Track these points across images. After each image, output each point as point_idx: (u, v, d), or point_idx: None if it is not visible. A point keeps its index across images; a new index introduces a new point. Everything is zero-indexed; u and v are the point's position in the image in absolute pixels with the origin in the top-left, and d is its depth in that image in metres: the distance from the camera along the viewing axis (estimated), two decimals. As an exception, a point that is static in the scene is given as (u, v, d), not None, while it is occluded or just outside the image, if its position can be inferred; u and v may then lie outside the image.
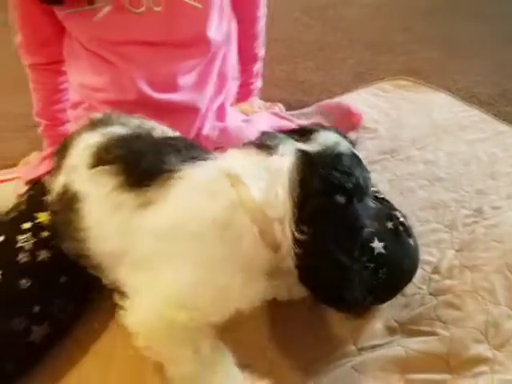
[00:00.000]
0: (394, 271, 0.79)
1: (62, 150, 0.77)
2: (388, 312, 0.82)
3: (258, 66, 1.19)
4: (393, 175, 1.16)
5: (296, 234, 0.58)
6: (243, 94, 1.19)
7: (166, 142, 0.71)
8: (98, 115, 0.80)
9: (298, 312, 0.79)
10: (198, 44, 0.90)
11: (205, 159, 0.66)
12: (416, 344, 0.75)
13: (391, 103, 1.45)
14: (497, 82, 1.60)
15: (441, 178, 1.14)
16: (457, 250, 0.93)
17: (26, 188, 0.94)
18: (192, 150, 0.69)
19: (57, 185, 0.73)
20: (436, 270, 0.89)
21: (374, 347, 0.76)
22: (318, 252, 0.59)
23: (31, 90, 1.02)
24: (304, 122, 1.23)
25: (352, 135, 1.29)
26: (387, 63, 1.71)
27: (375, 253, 0.78)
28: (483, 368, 0.73)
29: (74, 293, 0.79)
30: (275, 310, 0.78)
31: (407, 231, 0.84)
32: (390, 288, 0.81)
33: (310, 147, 0.62)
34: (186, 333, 0.61)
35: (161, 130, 0.76)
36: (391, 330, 0.79)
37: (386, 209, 0.87)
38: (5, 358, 0.71)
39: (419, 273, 0.87)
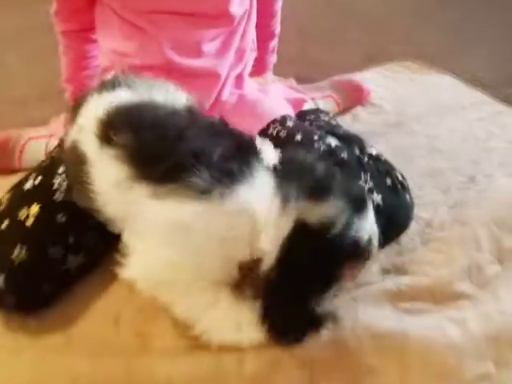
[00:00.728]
0: (390, 220, 0.88)
1: (75, 107, 0.82)
2: (383, 258, 0.91)
3: (273, 43, 1.29)
4: (395, 146, 1.24)
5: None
6: (258, 69, 1.28)
7: (188, 132, 0.72)
8: (107, 76, 0.87)
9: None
10: (221, 17, 0.99)
11: (238, 181, 0.66)
12: (405, 280, 0.85)
13: (398, 83, 1.55)
14: (501, 66, 1.67)
15: (440, 150, 1.23)
16: (449, 208, 1.02)
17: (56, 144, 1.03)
18: (223, 157, 0.69)
19: (68, 140, 0.79)
20: (429, 225, 0.98)
21: (369, 284, 0.85)
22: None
23: (61, 55, 1.12)
24: (317, 96, 1.33)
25: (358, 109, 1.40)
26: (396, 46, 1.79)
27: (373, 204, 0.87)
28: (465, 302, 0.82)
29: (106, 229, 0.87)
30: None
31: (404, 188, 0.94)
32: (385, 235, 0.91)
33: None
34: (173, 288, 0.70)
35: (166, 90, 0.83)
36: (385, 271, 0.89)
37: (387, 167, 0.96)
38: (43, 281, 0.79)
39: (414, 227, 0.96)
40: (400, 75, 1.59)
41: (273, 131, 1.00)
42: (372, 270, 0.88)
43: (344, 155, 0.93)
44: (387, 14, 2.02)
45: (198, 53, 0.99)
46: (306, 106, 1.22)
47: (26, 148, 1.17)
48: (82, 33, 1.09)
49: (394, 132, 1.31)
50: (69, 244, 0.81)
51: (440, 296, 0.82)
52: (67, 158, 0.80)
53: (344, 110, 1.39)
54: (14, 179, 0.95)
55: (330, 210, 0.66)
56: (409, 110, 1.41)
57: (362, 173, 0.91)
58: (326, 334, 0.74)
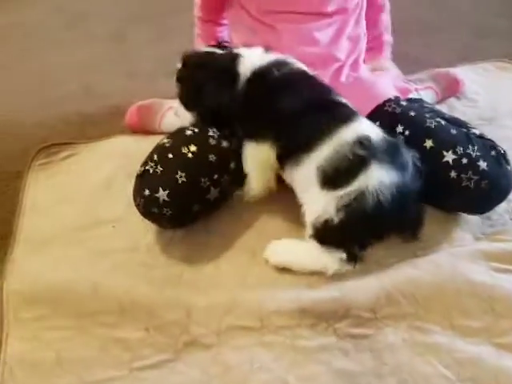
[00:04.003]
0: (493, 185, 1.01)
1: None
2: (475, 228, 1.07)
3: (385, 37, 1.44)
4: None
5: None
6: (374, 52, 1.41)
7: None
8: None
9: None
10: (338, 12, 1.18)
11: None
12: (498, 245, 1.01)
13: (491, 81, 1.62)
14: None
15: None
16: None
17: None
18: None
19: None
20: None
21: (463, 245, 1.02)
22: None
23: (195, 37, 1.38)
24: (420, 87, 1.45)
25: (453, 101, 1.51)
26: (490, 46, 1.84)
27: (480, 169, 1.01)
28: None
29: (238, 176, 1.08)
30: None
31: (506, 160, 1.06)
32: (487, 199, 1.04)
33: None
34: None
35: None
36: (477, 239, 1.05)
37: (491, 143, 1.08)
38: (194, 202, 1.02)
39: (504, 206, 1.10)
40: (493, 74, 1.67)
41: (388, 108, 1.15)
42: (465, 237, 1.03)
43: (453, 131, 1.07)
44: (482, 16, 2.05)
45: (313, 41, 1.18)
46: (411, 95, 1.35)
47: (165, 115, 1.38)
48: (212, 22, 1.35)
49: (487, 125, 1.39)
50: (213, 179, 1.03)
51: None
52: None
53: (440, 101, 1.49)
54: (154, 140, 1.13)
55: None
56: (501, 106, 1.49)
57: (470, 145, 1.03)
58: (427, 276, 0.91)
